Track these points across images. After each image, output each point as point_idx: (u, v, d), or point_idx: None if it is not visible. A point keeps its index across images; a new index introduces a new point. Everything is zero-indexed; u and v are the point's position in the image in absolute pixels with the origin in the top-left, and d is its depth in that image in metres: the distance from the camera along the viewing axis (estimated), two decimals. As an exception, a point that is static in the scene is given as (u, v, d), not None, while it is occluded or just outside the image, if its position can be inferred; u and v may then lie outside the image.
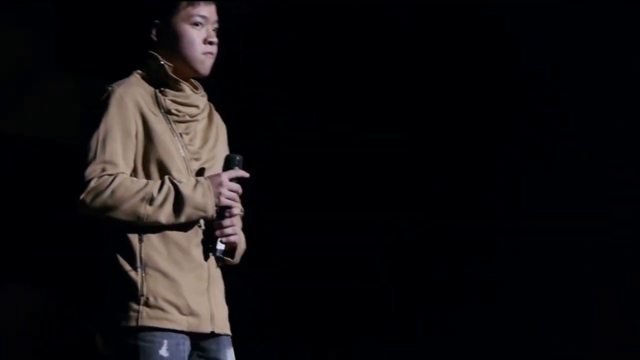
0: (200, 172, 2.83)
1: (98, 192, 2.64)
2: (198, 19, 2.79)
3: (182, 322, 2.67)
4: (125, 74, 2.99)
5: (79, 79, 4.71)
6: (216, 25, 2.87)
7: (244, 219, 3.01)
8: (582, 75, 6.60)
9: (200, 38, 2.81)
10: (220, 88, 4.07)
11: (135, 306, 2.61)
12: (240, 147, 3.45)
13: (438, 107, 7.02)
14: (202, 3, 2.79)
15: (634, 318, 6.37)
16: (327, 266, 7.02)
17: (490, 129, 6.91)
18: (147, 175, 2.74)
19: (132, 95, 2.75)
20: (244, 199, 2.99)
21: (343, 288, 6.99)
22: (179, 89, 2.84)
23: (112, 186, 2.64)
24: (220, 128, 3.01)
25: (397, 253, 7.04)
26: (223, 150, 2.97)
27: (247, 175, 2.85)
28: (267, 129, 7.09)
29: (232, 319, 3.20)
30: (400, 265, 7.04)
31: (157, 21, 2.81)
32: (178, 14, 2.76)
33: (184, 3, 2.76)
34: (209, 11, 2.82)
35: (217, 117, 3.01)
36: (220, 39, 3.09)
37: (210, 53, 2.84)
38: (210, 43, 2.82)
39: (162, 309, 2.64)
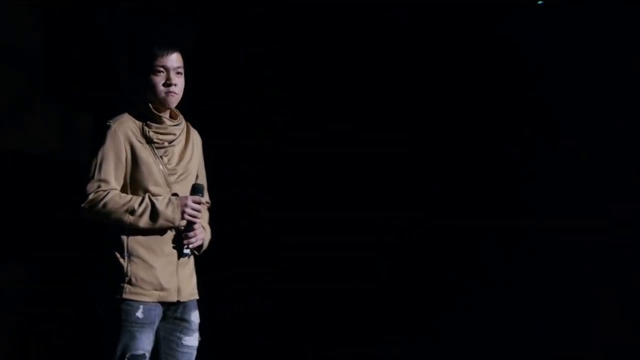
0: (177, 182, 3.73)
1: (94, 204, 3.61)
2: (159, 69, 3.68)
3: (154, 295, 3.63)
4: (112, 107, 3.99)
5: (61, 108, 5.96)
6: (179, 70, 3.72)
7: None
8: (582, 75, 6.62)
9: (160, 82, 3.68)
10: (221, 88, 4.30)
11: (121, 284, 3.60)
12: (241, 147, 3.89)
13: (438, 107, 7.04)
14: (161, 57, 3.67)
15: (634, 318, 6.38)
16: (327, 266, 7.06)
17: (490, 129, 6.93)
18: (134, 188, 3.66)
19: (123, 130, 3.66)
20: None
21: (343, 288, 7.03)
22: (161, 122, 3.71)
23: (104, 200, 3.60)
24: (196, 145, 3.85)
25: (397, 253, 7.07)
26: (197, 160, 3.85)
27: (204, 201, 3.79)
28: (267, 129, 7.12)
29: (232, 318, 4.11)
30: (400, 266, 7.06)
31: (136, 72, 3.73)
32: (146, 67, 3.68)
33: (149, 59, 3.67)
34: (168, 61, 3.68)
35: (193, 135, 3.85)
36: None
37: (171, 92, 3.68)
38: (168, 85, 3.67)
39: (140, 287, 3.61)
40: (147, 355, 3.65)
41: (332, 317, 7.06)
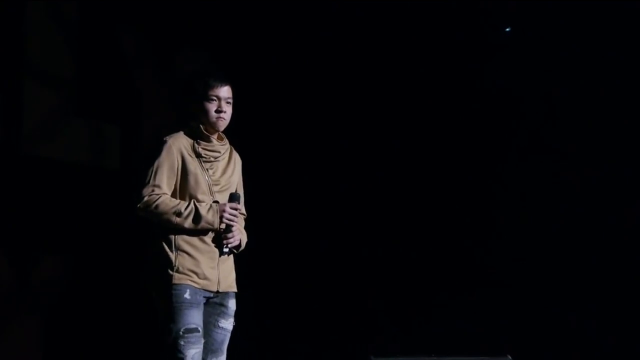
0: (219, 192, 4.31)
1: (148, 205, 4.19)
2: (213, 98, 4.29)
3: (199, 283, 4.19)
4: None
5: (91, 121, 6.66)
6: (229, 100, 4.33)
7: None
8: (580, 76, 6.70)
9: (213, 109, 4.29)
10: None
11: (171, 272, 4.17)
12: (241, 149, 4.24)
13: (439, 108, 7.11)
14: (215, 88, 4.29)
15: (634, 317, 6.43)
16: (325, 267, 7.14)
17: (490, 130, 7.02)
18: (183, 195, 4.26)
19: (177, 145, 4.27)
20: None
21: (340, 288, 7.12)
22: (209, 141, 4.33)
23: (156, 202, 4.18)
24: (237, 163, 4.45)
25: (397, 253, 7.12)
26: (237, 177, 4.44)
27: (240, 207, 4.32)
28: (265, 130, 7.18)
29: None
30: (400, 265, 7.11)
31: (193, 99, 4.34)
32: (202, 95, 4.29)
33: (206, 88, 4.28)
34: (221, 92, 4.29)
35: (235, 155, 4.46)
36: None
37: (221, 117, 4.29)
38: (219, 112, 4.28)
39: (186, 275, 4.17)
40: (200, 329, 4.18)
41: (330, 318, 7.12)
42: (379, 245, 7.18)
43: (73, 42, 6.54)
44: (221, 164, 4.35)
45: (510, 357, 5.08)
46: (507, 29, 6.88)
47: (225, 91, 4.30)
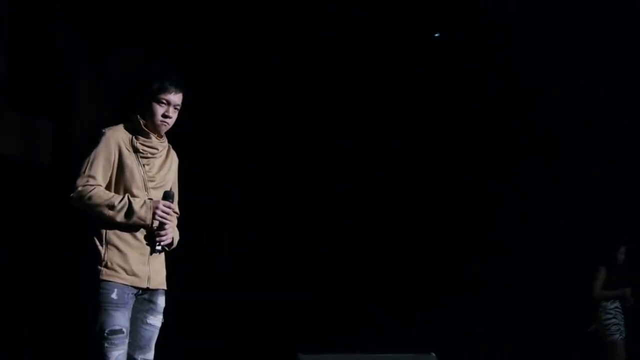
0: (154, 188, 4.33)
1: (81, 196, 4.18)
2: (163, 101, 4.29)
3: (127, 279, 4.17)
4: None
5: (23, 115, 6.65)
6: (177, 107, 4.34)
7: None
8: (581, 76, 6.70)
9: (160, 112, 4.30)
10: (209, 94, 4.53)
11: (99, 267, 4.14)
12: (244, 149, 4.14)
13: (439, 108, 7.13)
14: (169, 92, 4.31)
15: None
16: (322, 269, 7.17)
17: (490, 130, 7.03)
18: (118, 188, 4.27)
19: (115, 137, 4.27)
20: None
21: (340, 290, 7.14)
22: (147, 137, 4.33)
23: (90, 193, 4.19)
24: (173, 162, 4.47)
25: (397, 254, 7.16)
26: (173, 175, 4.46)
27: (173, 206, 4.31)
28: (268, 131, 7.22)
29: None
30: (399, 267, 7.14)
31: (143, 96, 4.33)
32: (154, 95, 4.29)
33: (159, 90, 4.28)
34: (172, 98, 4.30)
35: (172, 154, 4.48)
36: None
37: (165, 122, 4.31)
38: (165, 117, 4.30)
39: (114, 270, 4.15)
40: (125, 330, 4.16)
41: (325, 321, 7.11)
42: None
43: (5, 36, 6.53)
44: (158, 161, 4.37)
45: (434, 355, 5.05)
46: (436, 35, 6.93)
47: (177, 98, 4.33)
